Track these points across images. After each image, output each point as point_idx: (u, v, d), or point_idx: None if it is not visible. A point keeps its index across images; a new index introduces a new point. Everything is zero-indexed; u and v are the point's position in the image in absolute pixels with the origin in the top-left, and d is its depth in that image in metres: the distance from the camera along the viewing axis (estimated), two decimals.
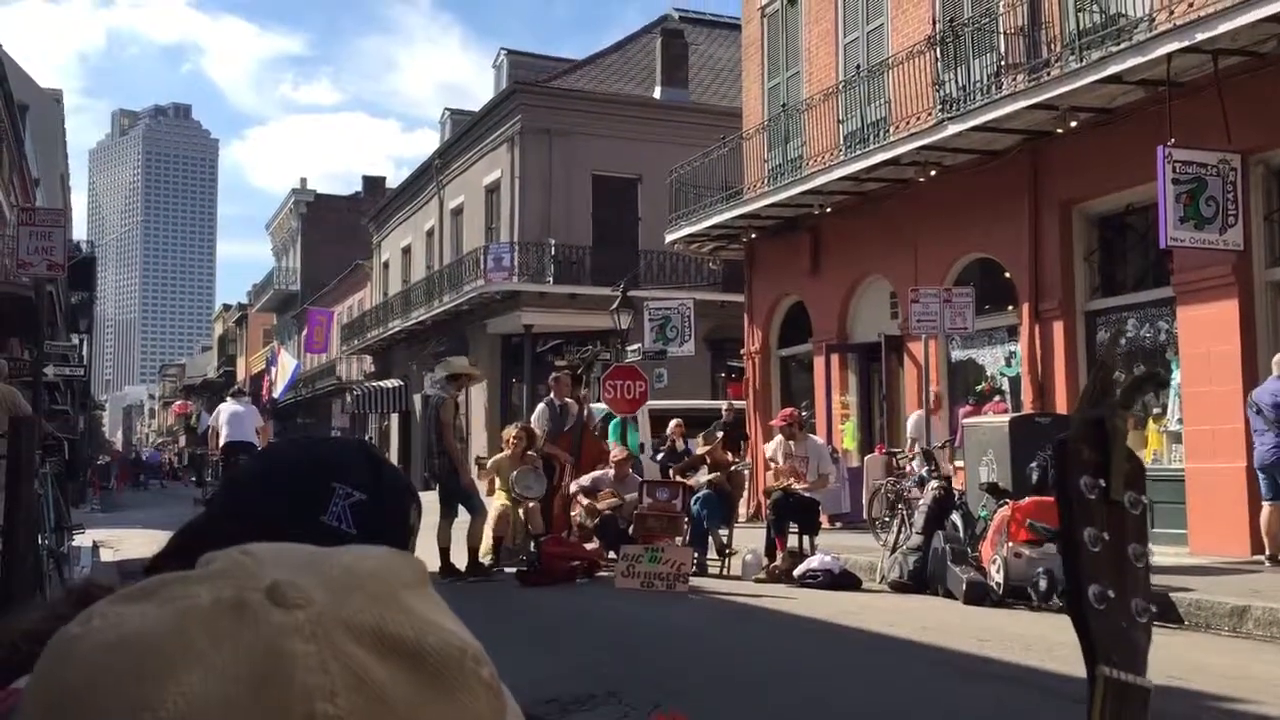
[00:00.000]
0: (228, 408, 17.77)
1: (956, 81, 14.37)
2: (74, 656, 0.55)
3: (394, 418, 38.76)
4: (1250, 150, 11.33)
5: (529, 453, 12.34)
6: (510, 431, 12.61)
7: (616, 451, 13.30)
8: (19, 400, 9.47)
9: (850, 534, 14.62)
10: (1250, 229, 11.40)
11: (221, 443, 17.12)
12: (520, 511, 12.05)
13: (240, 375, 64.35)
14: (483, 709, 0.57)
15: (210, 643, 0.53)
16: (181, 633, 0.54)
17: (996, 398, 14.88)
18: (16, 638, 0.84)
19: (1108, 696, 0.87)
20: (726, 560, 11.98)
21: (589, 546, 12.10)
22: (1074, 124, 13.08)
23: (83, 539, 13.45)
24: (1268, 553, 10.35)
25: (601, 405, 16.61)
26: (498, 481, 12.22)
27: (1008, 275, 14.81)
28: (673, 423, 15.68)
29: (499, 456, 12.45)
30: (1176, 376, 12.31)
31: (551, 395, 13.50)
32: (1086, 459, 0.93)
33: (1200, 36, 10.69)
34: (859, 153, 15.92)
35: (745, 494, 15.01)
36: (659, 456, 15.68)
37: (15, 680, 0.79)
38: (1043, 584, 9.01)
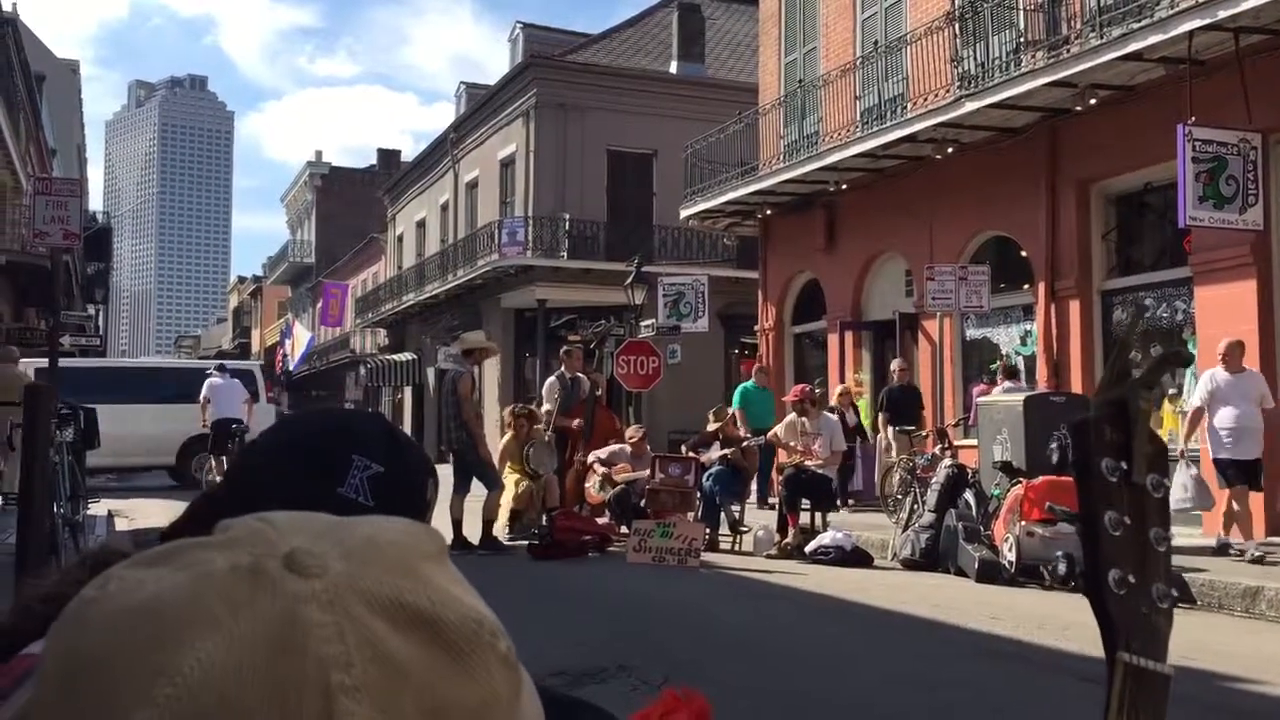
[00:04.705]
0: (211, 381, 17.52)
1: (975, 58, 14.26)
2: (91, 621, 0.54)
3: (407, 391, 38.86)
4: (1271, 129, 11.22)
5: (536, 428, 12.41)
6: (509, 414, 12.68)
7: (633, 430, 13.34)
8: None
9: (864, 512, 14.62)
10: (1270, 209, 11.30)
11: (208, 419, 17.12)
12: (536, 485, 12.11)
13: (255, 347, 64.56)
14: (499, 682, 0.56)
15: (227, 609, 0.53)
16: (199, 599, 0.53)
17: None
18: (32, 601, 0.84)
19: (1127, 683, 0.86)
20: (738, 536, 12.00)
21: (601, 521, 12.14)
22: (1093, 102, 12.97)
23: (98, 508, 13.54)
24: None
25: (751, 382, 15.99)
26: (509, 463, 12.26)
27: (1024, 254, 14.74)
28: (837, 390, 15.48)
29: (504, 441, 12.51)
30: (1194, 357, 12.24)
31: (563, 369, 13.55)
32: (1108, 440, 0.91)
33: (1222, 14, 10.58)
34: (876, 129, 15.82)
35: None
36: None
37: (30, 645, 0.79)
38: (1061, 567, 8.97)
